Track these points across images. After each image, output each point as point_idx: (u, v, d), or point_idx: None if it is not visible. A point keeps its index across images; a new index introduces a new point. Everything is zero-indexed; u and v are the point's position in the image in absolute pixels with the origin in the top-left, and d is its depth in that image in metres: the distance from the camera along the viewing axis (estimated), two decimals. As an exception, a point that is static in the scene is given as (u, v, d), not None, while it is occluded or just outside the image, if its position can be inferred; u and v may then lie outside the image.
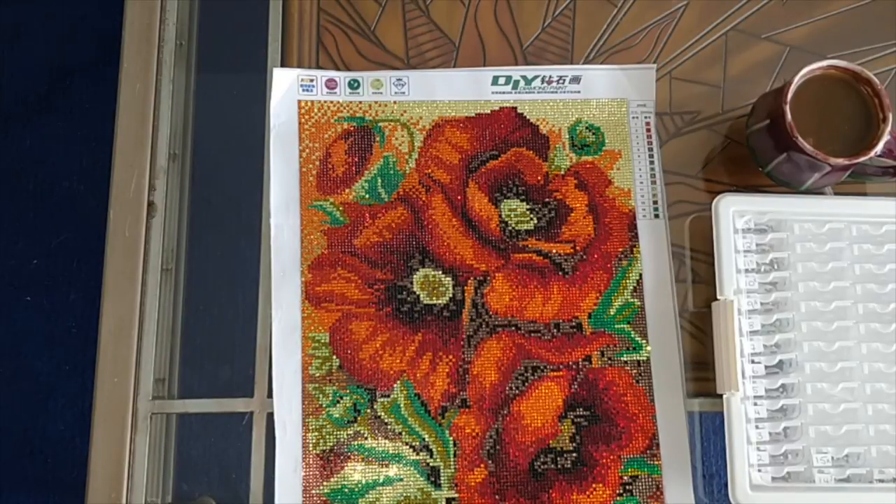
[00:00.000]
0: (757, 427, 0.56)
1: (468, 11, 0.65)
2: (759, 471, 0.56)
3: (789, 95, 0.55)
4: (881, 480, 0.56)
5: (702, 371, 0.59)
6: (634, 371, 0.58)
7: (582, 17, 0.66)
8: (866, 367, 0.57)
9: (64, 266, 1.19)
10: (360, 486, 0.56)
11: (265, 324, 0.58)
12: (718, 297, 0.58)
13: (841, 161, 0.55)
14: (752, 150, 0.61)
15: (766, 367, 0.57)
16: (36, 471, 1.13)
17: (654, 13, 0.65)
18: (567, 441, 0.57)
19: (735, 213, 0.59)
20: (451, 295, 0.59)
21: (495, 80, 0.63)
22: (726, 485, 0.55)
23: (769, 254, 0.59)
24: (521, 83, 0.63)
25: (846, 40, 0.65)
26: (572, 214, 0.61)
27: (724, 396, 0.56)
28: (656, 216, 0.61)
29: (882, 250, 0.59)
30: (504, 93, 0.63)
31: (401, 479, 0.56)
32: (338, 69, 0.63)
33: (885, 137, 0.55)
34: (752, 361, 0.57)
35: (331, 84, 0.62)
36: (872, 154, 0.55)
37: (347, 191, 0.60)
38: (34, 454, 1.14)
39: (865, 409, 0.57)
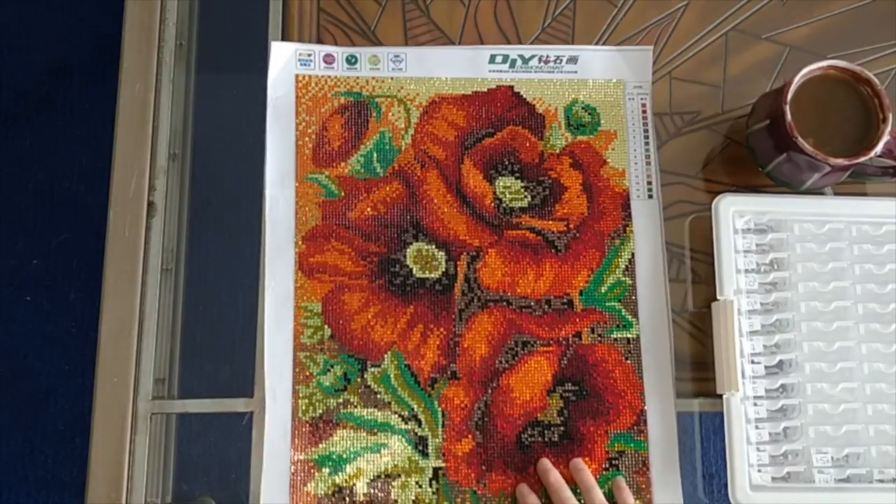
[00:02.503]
0: (757, 427, 0.56)
1: (468, 11, 0.65)
2: (759, 471, 0.56)
3: (789, 95, 0.55)
4: (881, 480, 0.56)
5: (702, 371, 0.59)
6: (624, 348, 0.59)
7: (582, 18, 0.66)
8: (866, 367, 0.57)
9: (64, 266, 1.19)
10: (348, 453, 0.56)
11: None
12: (718, 297, 0.58)
13: (841, 161, 0.55)
14: (751, 150, 0.61)
15: (766, 367, 0.57)
16: (36, 471, 1.13)
17: (654, 13, 0.65)
18: (555, 415, 0.58)
19: (735, 213, 0.59)
20: (443, 269, 0.59)
21: (492, 59, 0.63)
22: (726, 485, 0.55)
23: (769, 254, 0.59)
24: (519, 62, 0.63)
25: (846, 40, 0.65)
26: (566, 193, 0.61)
27: (724, 396, 0.56)
28: (650, 197, 0.62)
29: (882, 250, 0.59)
30: (501, 71, 0.63)
31: (389, 448, 0.57)
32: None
33: (885, 137, 0.55)
34: (752, 361, 0.57)
35: (328, 59, 0.62)
36: (872, 154, 0.55)
37: (343, 164, 0.61)
38: (34, 454, 1.14)
39: (865, 409, 0.57)
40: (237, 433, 0.57)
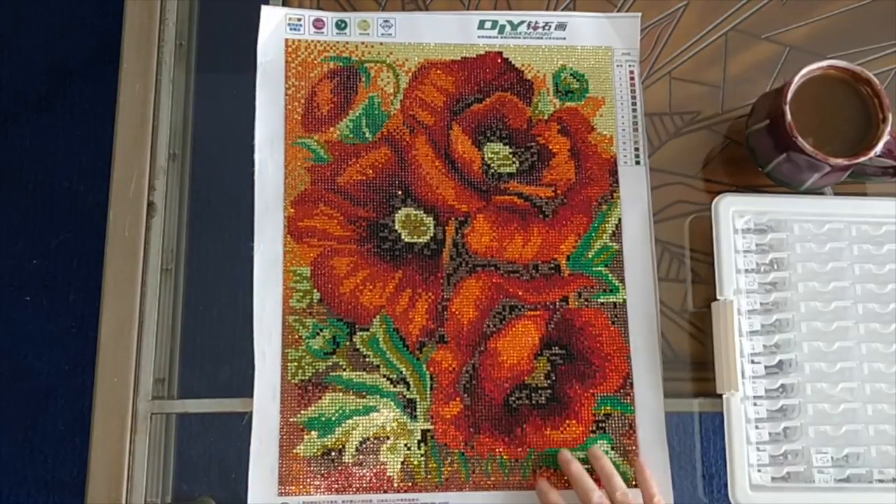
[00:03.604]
0: (757, 427, 0.56)
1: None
2: (759, 471, 0.56)
3: (789, 95, 0.55)
4: (881, 480, 0.56)
5: (702, 371, 0.59)
6: (610, 313, 0.59)
7: (582, 17, 0.65)
8: (866, 367, 0.57)
9: (64, 266, 1.19)
10: (336, 415, 0.57)
11: (265, 324, 0.58)
12: (718, 297, 0.58)
13: (841, 161, 0.55)
14: (751, 150, 0.61)
15: (766, 367, 0.57)
16: (36, 471, 1.13)
17: (654, 13, 0.65)
18: (542, 378, 0.58)
19: (735, 213, 0.59)
20: (432, 234, 0.60)
21: (482, 24, 0.64)
22: (726, 485, 0.55)
23: (769, 254, 0.59)
24: (508, 28, 0.64)
25: (846, 40, 0.65)
26: (554, 159, 0.62)
27: (724, 396, 0.56)
28: (637, 163, 0.62)
29: (882, 250, 0.59)
30: (490, 37, 0.64)
31: (377, 410, 0.57)
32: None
33: (885, 137, 0.55)
34: (752, 361, 0.57)
35: (318, 24, 0.63)
36: (872, 154, 0.55)
37: (332, 129, 0.61)
38: (34, 454, 1.14)
39: (865, 409, 0.57)
40: (237, 433, 0.57)
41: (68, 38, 1.26)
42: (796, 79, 0.56)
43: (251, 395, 0.57)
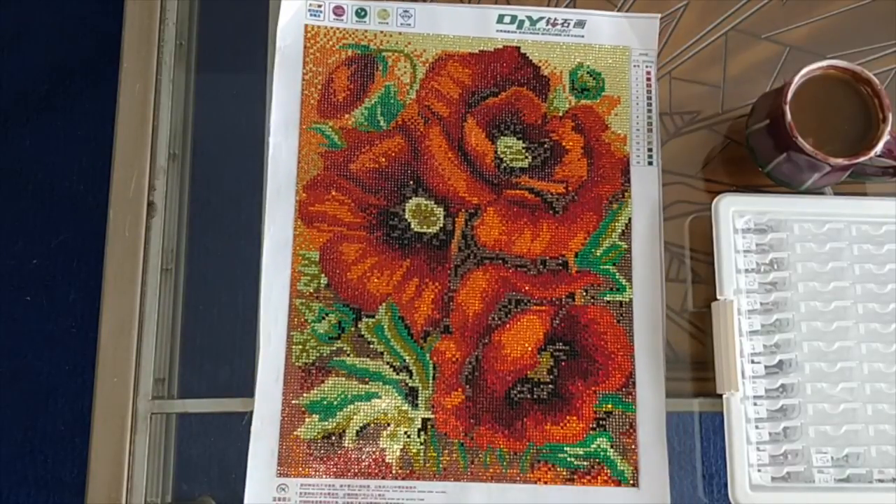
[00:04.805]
0: (757, 427, 0.56)
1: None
2: (759, 471, 0.56)
3: (789, 95, 0.55)
4: (881, 480, 0.56)
5: (702, 371, 0.59)
6: (616, 311, 0.60)
7: (582, 17, 0.65)
8: (866, 367, 0.57)
9: (64, 266, 1.19)
10: (338, 400, 0.57)
11: (265, 324, 0.58)
12: (718, 297, 0.58)
13: (841, 161, 0.55)
14: (751, 150, 0.61)
15: (766, 367, 0.57)
16: (36, 471, 1.13)
17: (653, 13, 0.65)
18: (545, 373, 0.58)
19: (735, 213, 0.59)
20: (441, 225, 0.60)
21: (500, 19, 0.64)
22: (726, 485, 0.55)
23: (769, 254, 0.59)
24: (526, 23, 0.64)
25: (846, 40, 0.65)
26: (567, 156, 0.62)
27: (724, 396, 0.56)
28: (650, 163, 0.62)
29: (882, 250, 0.59)
30: (508, 31, 0.64)
31: (379, 397, 0.57)
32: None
33: (885, 137, 0.55)
34: (752, 361, 0.57)
35: (338, 11, 0.63)
36: (872, 154, 0.55)
37: (347, 116, 0.62)
38: (34, 454, 1.14)
39: (865, 409, 0.57)
40: (237, 433, 0.57)
41: (68, 38, 1.26)
42: (796, 79, 0.56)
43: (251, 395, 0.57)
